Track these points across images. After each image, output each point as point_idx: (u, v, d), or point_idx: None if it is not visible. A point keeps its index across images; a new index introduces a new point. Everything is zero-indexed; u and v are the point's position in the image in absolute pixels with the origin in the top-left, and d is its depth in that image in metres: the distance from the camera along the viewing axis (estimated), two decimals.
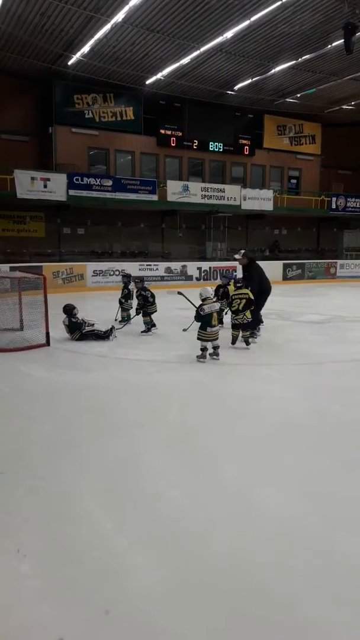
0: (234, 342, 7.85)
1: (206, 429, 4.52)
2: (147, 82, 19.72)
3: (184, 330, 8.91)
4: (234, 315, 7.77)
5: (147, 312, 9.10)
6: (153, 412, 4.99)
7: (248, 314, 7.65)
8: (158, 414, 4.95)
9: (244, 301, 7.66)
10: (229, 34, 15.55)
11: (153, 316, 9.17)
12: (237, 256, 8.98)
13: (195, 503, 3.21)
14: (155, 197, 20.38)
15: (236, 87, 20.63)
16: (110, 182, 19.43)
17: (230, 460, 3.87)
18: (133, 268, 17.87)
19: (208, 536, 2.84)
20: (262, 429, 4.55)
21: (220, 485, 3.48)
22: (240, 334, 7.81)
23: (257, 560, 2.61)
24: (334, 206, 24.80)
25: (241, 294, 7.75)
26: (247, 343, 7.78)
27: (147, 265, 19.14)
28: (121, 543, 2.78)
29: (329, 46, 16.42)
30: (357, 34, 14.38)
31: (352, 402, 5.36)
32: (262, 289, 8.50)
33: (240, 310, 7.65)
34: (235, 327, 7.82)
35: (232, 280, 8.92)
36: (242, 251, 9.12)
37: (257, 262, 8.94)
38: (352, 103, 22.80)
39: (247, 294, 7.71)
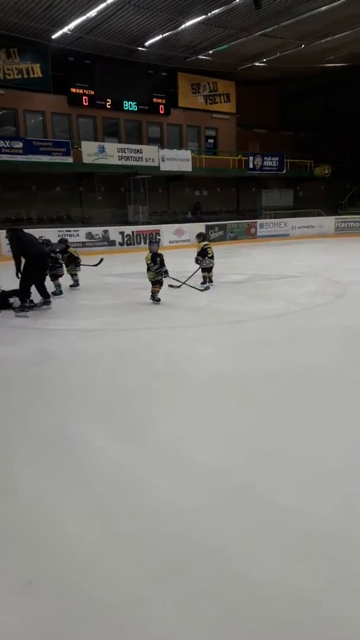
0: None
1: (134, 393, 4.51)
2: (53, 36, 18.60)
3: (176, 287, 9.31)
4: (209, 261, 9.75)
5: (56, 274, 9.23)
6: (78, 381, 4.90)
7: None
8: (84, 382, 4.86)
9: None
10: None
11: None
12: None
13: (127, 462, 3.22)
14: (70, 159, 19.62)
15: (147, 43, 20.00)
16: (20, 144, 18.42)
17: (161, 421, 3.90)
18: (52, 234, 17.19)
19: (142, 493, 2.85)
20: (189, 387, 4.62)
21: (154, 443, 3.51)
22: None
23: (193, 511, 2.66)
24: (251, 166, 25.08)
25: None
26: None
27: (66, 231, 18.52)
28: (49, 514, 2.73)
29: (238, 0, 16.19)
30: None
31: (271, 355, 5.55)
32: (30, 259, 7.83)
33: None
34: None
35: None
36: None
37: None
38: (264, 60, 22.84)
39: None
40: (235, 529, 2.55)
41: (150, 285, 8.51)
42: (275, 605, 2.06)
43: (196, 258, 9.76)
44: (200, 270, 9.79)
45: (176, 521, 2.63)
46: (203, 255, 9.66)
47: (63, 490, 2.95)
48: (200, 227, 21.80)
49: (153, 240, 8.92)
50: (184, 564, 2.31)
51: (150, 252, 8.42)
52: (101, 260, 11.08)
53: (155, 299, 8.45)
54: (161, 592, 2.15)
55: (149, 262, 8.33)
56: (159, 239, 8.78)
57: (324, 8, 17.17)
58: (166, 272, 8.43)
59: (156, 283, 8.43)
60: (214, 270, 9.95)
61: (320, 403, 4.16)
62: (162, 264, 8.39)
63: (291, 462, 3.19)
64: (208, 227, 22.08)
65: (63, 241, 10.47)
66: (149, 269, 8.37)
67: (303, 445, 3.39)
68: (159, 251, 8.56)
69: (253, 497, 2.83)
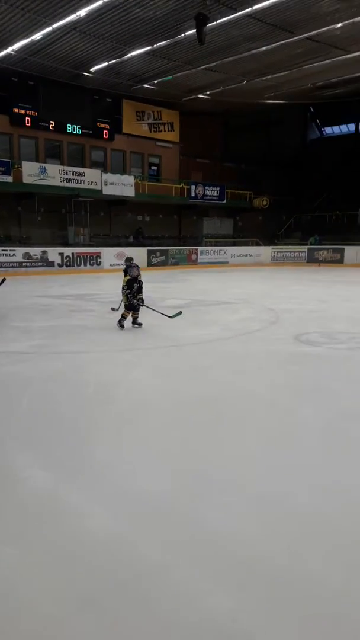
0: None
1: (65, 418, 4.37)
2: None
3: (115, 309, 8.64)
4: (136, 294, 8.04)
5: None
6: (3, 406, 4.68)
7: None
8: (10, 407, 4.66)
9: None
10: (82, 13, 15.07)
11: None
12: None
13: (54, 491, 3.10)
14: (9, 179, 19.28)
15: (93, 69, 20.18)
16: None
17: (92, 447, 3.79)
18: None
19: (68, 522, 2.72)
20: (120, 412, 4.53)
21: (83, 470, 3.40)
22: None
23: (122, 539, 2.56)
24: (193, 194, 25.60)
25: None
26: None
27: (2, 250, 18.04)
28: None
29: (183, 35, 16.75)
30: (208, 25, 14.85)
31: (204, 379, 5.57)
32: None
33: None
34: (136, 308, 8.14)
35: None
36: None
37: None
38: (208, 93, 23.60)
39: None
40: (167, 556, 2.48)
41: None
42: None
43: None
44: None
45: (102, 550, 2.53)
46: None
47: None
48: (142, 251, 21.94)
49: (133, 264, 8.26)
50: (103, 595, 2.20)
51: (130, 275, 8.02)
52: (3, 280, 9.80)
53: (120, 324, 8.03)
54: (76, 625, 2.04)
55: (124, 285, 7.98)
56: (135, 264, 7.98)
57: (263, 48, 18.04)
58: (141, 299, 8.03)
59: (128, 308, 8.06)
60: (154, 294, 9.94)
61: (251, 427, 4.19)
62: (139, 290, 7.99)
63: (220, 486, 3.16)
64: (150, 252, 22.22)
65: None
66: (122, 292, 8.01)
67: (234, 470, 3.39)
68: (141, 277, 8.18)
69: (185, 522, 2.78)
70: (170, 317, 8.44)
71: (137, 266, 8.25)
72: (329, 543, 2.62)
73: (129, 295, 7.94)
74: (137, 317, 8.19)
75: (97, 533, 2.69)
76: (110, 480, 3.25)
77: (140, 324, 8.15)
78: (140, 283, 8.06)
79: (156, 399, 4.92)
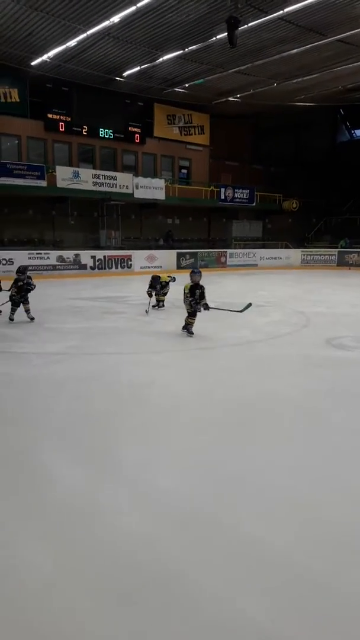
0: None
1: (99, 418, 4.50)
2: (33, 63, 18.86)
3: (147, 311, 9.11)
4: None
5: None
6: (41, 406, 4.85)
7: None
8: (46, 407, 4.82)
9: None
10: (115, 19, 15.32)
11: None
12: None
13: (88, 489, 3.20)
14: (44, 183, 19.69)
15: (125, 74, 20.44)
16: None
17: (126, 447, 3.88)
18: (22, 257, 17.20)
19: (101, 521, 2.83)
20: (152, 413, 4.63)
21: (115, 469, 3.49)
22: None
23: (155, 538, 2.66)
24: (222, 197, 25.62)
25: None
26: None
27: (37, 254, 18.46)
28: (3, 539, 2.69)
29: (214, 38, 16.82)
30: (239, 28, 14.89)
31: (233, 382, 5.63)
32: None
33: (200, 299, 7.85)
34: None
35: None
36: None
37: None
38: (238, 95, 23.62)
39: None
40: (196, 557, 2.56)
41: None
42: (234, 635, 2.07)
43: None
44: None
45: (136, 549, 2.62)
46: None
47: (21, 517, 2.91)
48: (171, 254, 22.10)
49: (195, 270, 8.12)
50: (140, 592, 2.30)
51: (192, 282, 7.87)
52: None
53: (189, 331, 7.91)
54: (116, 622, 2.13)
55: (186, 292, 7.83)
56: (199, 270, 7.89)
57: (293, 51, 17.97)
58: (206, 305, 7.83)
59: (192, 314, 7.91)
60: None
61: (281, 431, 4.23)
62: (201, 296, 7.80)
63: (250, 490, 3.22)
64: (179, 255, 22.36)
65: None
66: (185, 299, 7.88)
67: (262, 473, 3.45)
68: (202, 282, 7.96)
69: (214, 524, 2.85)
70: (240, 311, 8.31)
71: (199, 272, 8.09)
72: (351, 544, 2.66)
73: (192, 302, 7.78)
74: (192, 325, 7.96)
75: (130, 532, 2.76)
76: (143, 481, 3.33)
77: (192, 333, 7.91)
78: (202, 289, 7.85)
79: (187, 401, 5.00)
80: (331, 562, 2.52)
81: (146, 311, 9.47)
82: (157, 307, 10.27)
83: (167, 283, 10.26)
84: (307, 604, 2.22)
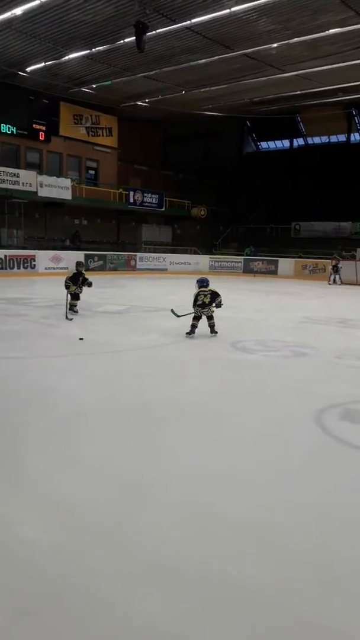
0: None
1: None
2: None
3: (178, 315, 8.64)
4: (199, 309, 8.19)
5: None
6: None
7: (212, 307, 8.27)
8: None
9: (209, 296, 8.20)
10: (18, 11, 14.71)
11: None
12: None
13: None
14: None
15: (29, 69, 19.75)
16: None
17: (28, 455, 3.64)
18: None
19: (6, 532, 2.60)
20: (54, 420, 4.39)
21: (17, 479, 3.27)
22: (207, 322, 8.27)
23: (55, 547, 2.46)
24: (131, 200, 25.57)
25: (205, 290, 8.25)
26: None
27: None
28: None
29: (122, 41, 16.74)
30: (148, 34, 14.93)
31: (141, 385, 5.53)
32: None
33: (206, 304, 8.19)
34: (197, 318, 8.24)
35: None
36: None
37: None
38: (147, 100, 23.72)
39: (211, 290, 8.29)
40: (102, 564, 2.41)
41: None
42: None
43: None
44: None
45: (34, 561, 2.43)
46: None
47: None
48: (78, 255, 21.57)
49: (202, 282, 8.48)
50: (40, 604, 2.11)
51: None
52: None
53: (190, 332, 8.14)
54: (11, 636, 1.93)
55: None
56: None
57: (202, 61, 18.39)
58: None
59: (195, 318, 8.23)
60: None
61: (187, 434, 4.19)
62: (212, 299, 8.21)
63: (156, 493, 3.14)
64: (87, 256, 21.90)
65: None
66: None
67: (170, 476, 3.37)
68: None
69: (120, 531, 2.73)
70: (178, 316, 8.69)
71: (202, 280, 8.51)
72: (260, 548, 2.66)
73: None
74: (214, 325, 8.32)
75: (29, 542, 2.59)
76: (44, 489, 3.15)
77: (215, 332, 8.31)
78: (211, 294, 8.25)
79: (92, 406, 4.82)
80: (231, 560, 2.48)
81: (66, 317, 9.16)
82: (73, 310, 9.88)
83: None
84: (208, 604, 2.16)
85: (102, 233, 26.28)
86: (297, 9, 14.44)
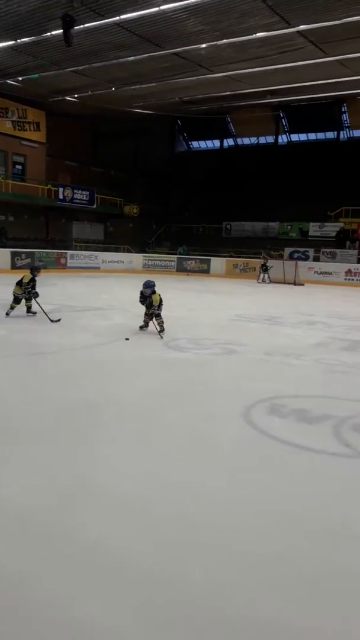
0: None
1: None
2: None
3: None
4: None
5: None
6: None
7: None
8: None
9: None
10: None
11: None
12: None
13: None
14: None
15: None
16: None
17: None
18: None
19: None
20: None
21: None
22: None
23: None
24: (61, 197, 25.02)
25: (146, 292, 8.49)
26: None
27: None
28: None
29: (49, 34, 16.30)
30: (75, 28, 14.64)
31: (73, 387, 5.44)
32: None
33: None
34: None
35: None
36: None
37: None
38: (76, 96, 23.27)
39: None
40: (32, 567, 2.34)
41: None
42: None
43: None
44: None
45: None
46: None
47: None
48: (5, 253, 20.86)
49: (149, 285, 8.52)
50: None
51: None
52: None
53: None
54: None
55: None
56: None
57: (131, 58, 18.27)
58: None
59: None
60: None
61: (121, 434, 4.17)
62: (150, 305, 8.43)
63: (96, 495, 3.12)
64: (14, 254, 21.20)
65: None
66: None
67: (103, 476, 3.34)
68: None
69: (52, 532, 2.70)
70: (52, 321, 8.69)
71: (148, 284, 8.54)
72: (193, 541, 2.70)
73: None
74: (161, 323, 8.37)
75: None
76: None
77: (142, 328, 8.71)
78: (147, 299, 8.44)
79: (20, 409, 4.68)
80: (168, 559, 2.50)
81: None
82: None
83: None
84: (149, 603, 2.17)
85: (30, 230, 25.51)
86: (224, 11, 14.68)
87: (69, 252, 24.52)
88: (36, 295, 9.46)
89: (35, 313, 9.60)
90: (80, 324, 9.35)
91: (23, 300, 9.59)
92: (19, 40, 17.07)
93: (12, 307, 9.51)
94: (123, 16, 14.98)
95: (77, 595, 2.26)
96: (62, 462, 3.60)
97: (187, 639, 2.06)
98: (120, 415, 4.64)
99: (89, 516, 2.90)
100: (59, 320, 9.14)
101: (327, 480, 3.50)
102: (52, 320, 9.04)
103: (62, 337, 8.08)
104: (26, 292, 9.47)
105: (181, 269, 25.89)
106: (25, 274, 9.62)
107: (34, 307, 9.57)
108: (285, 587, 2.38)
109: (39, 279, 9.67)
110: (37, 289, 9.51)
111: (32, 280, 9.48)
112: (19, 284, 9.48)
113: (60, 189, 25.01)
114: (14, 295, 9.50)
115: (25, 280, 9.45)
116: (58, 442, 3.95)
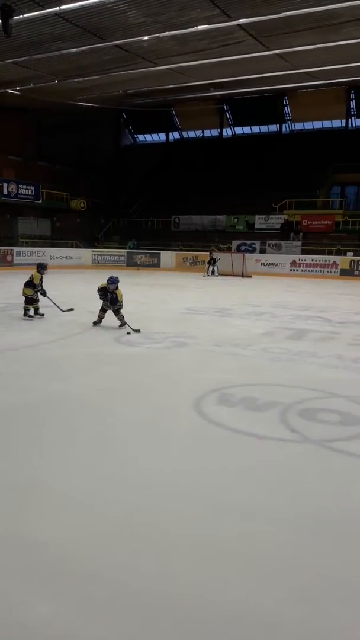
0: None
1: None
2: None
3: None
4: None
5: None
6: None
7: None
8: None
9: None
10: None
11: None
12: None
13: None
14: None
15: None
16: None
17: None
18: None
19: None
20: None
21: None
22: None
23: None
24: (5, 192, 24.35)
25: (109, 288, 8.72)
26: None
27: None
28: None
29: None
30: (14, 18, 14.23)
31: (21, 386, 5.37)
32: None
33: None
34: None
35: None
36: None
37: None
38: (18, 88, 22.63)
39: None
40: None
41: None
42: None
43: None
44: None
45: None
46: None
47: None
48: None
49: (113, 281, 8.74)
50: None
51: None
52: None
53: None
54: None
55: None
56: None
57: (73, 50, 17.94)
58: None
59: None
60: None
61: (72, 432, 4.16)
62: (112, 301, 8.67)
63: (42, 493, 3.11)
64: None
65: None
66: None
67: (58, 476, 3.35)
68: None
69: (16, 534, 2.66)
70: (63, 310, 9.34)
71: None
72: (146, 532, 2.76)
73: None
74: (121, 318, 8.68)
75: None
76: None
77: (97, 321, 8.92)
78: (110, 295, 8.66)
79: None
80: (121, 555, 2.55)
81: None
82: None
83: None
84: (94, 600, 2.21)
85: None
86: (164, 4, 14.64)
87: (15, 248, 23.94)
88: (44, 293, 9.52)
89: (43, 315, 9.58)
90: (27, 323, 9.20)
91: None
92: None
93: (27, 309, 9.45)
94: (63, 6, 14.65)
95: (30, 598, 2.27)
96: (11, 463, 3.57)
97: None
98: (69, 414, 4.63)
99: (42, 518, 2.90)
100: (71, 309, 9.83)
101: (275, 466, 3.64)
102: (63, 310, 9.72)
103: (7, 336, 7.94)
104: (37, 292, 9.44)
105: (131, 264, 25.77)
106: (34, 274, 9.53)
107: (43, 302, 9.68)
108: (239, 575, 2.48)
109: None
110: None
111: (41, 280, 9.53)
112: (30, 284, 9.41)
113: (5, 184, 24.33)
114: (25, 296, 9.42)
115: (36, 280, 9.42)
116: (6, 443, 3.91)
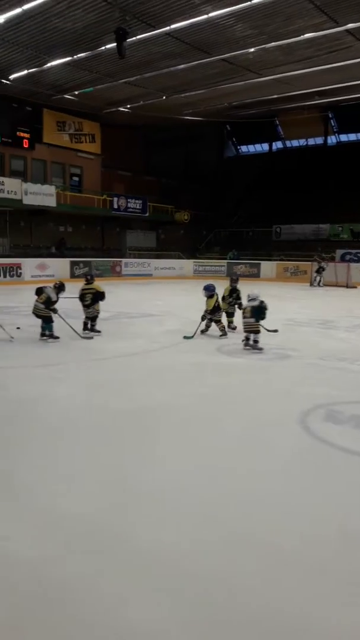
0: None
1: None
2: None
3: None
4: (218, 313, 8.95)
5: None
6: None
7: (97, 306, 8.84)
8: None
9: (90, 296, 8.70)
10: (0, 19, 14.74)
11: None
12: None
13: None
14: None
15: (11, 77, 19.74)
16: None
17: (17, 464, 3.70)
18: None
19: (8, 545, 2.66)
20: (42, 430, 4.44)
21: (10, 488, 3.32)
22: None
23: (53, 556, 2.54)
24: (115, 206, 25.60)
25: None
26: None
27: None
28: None
29: (103, 47, 16.83)
30: (128, 40, 15.06)
31: (130, 393, 5.60)
32: None
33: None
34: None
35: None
36: None
37: None
38: (128, 106, 23.81)
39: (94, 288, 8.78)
40: (99, 578, 2.49)
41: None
42: None
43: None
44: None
45: (28, 573, 2.50)
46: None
47: None
48: (64, 262, 21.60)
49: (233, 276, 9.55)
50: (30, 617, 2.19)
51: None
52: None
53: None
54: None
55: (225, 295, 9.50)
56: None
57: (181, 66, 18.54)
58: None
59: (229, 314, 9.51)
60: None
61: (177, 440, 4.28)
62: (237, 298, 9.53)
63: (149, 500, 3.22)
64: (73, 263, 21.91)
65: None
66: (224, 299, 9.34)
67: (164, 484, 3.46)
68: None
69: (116, 541, 2.80)
70: (270, 331, 8.74)
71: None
72: (248, 543, 2.77)
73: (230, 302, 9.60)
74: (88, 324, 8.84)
75: (21, 556, 2.64)
76: (36, 501, 3.20)
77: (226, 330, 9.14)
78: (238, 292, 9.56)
79: (82, 414, 4.88)
80: (225, 559, 2.58)
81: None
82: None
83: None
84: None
85: (87, 239, 26.28)
86: (271, 15, 14.68)
87: (124, 260, 25.08)
88: (55, 311, 8.32)
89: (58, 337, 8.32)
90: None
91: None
92: (75, 56, 17.72)
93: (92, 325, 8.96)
94: (173, 26, 15.28)
95: (131, 597, 2.36)
96: (126, 469, 3.72)
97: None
98: (174, 421, 4.75)
99: (142, 520, 2.99)
100: (91, 337, 8.59)
101: None
102: (82, 337, 8.51)
103: (117, 343, 8.30)
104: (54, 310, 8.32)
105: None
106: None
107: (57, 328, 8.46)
108: (334, 592, 2.41)
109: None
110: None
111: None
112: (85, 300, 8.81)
113: (115, 199, 25.61)
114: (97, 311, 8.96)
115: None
116: (115, 447, 4.09)
